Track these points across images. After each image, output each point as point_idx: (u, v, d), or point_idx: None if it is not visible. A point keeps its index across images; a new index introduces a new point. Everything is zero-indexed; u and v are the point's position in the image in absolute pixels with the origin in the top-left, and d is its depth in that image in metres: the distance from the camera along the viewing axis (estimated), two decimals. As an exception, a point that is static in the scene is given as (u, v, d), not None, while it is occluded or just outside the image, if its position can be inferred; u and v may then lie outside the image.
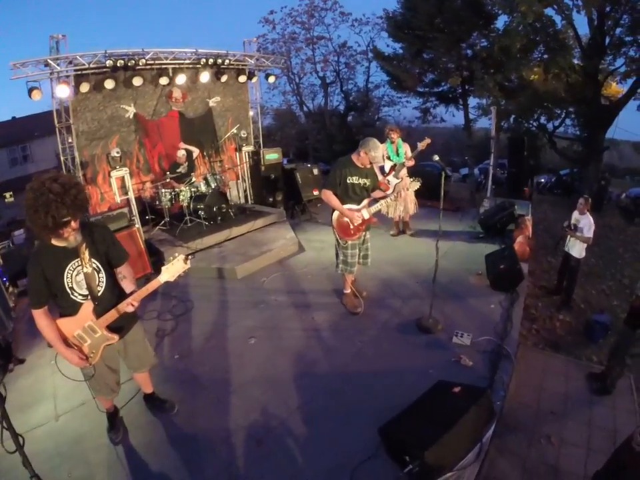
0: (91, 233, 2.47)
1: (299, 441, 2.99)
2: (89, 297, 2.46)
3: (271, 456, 2.88)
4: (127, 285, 2.65)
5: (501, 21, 13.44)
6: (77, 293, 2.44)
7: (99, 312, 2.48)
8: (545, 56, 12.81)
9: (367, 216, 4.28)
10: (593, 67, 12.36)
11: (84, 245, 2.39)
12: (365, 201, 4.32)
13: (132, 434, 3.09)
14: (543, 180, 19.27)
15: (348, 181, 4.20)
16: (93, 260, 2.44)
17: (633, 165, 29.86)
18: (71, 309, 2.47)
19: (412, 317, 4.55)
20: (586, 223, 5.88)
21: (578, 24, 12.09)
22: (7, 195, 16.56)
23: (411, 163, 6.28)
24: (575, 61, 13.26)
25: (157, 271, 2.53)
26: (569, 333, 6.32)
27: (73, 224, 2.22)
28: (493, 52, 12.64)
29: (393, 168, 6.40)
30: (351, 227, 4.28)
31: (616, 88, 15.10)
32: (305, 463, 2.82)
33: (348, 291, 4.78)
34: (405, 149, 6.35)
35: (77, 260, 2.40)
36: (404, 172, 6.37)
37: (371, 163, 4.23)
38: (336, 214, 4.31)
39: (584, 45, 12.86)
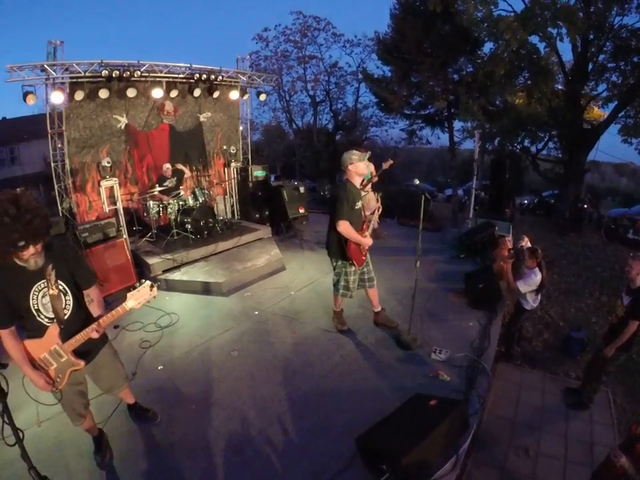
0: (56, 254, 2.34)
1: (277, 451, 3.05)
2: (55, 320, 2.36)
3: (250, 465, 2.93)
4: (94, 309, 2.53)
5: (487, 47, 13.84)
6: (43, 315, 2.35)
7: (65, 335, 2.38)
8: (529, 82, 13.15)
9: (370, 240, 4.27)
10: (576, 92, 12.69)
11: (50, 266, 2.25)
12: (365, 225, 4.28)
13: (114, 442, 3.09)
14: (525, 201, 19.66)
15: (356, 207, 4.10)
16: (59, 282, 2.34)
17: (614, 185, 30.75)
18: (37, 331, 2.37)
19: (391, 332, 4.64)
20: (530, 276, 4.75)
21: (561, 50, 12.44)
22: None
23: (376, 179, 7.29)
24: (559, 86, 13.64)
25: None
26: (547, 349, 6.46)
27: (31, 249, 2.10)
28: (478, 77, 12.93)
29: (362, 182, 7.08)
30: (363, 252, 4.28)
31: (598, 112, 15.47)
32: (283, 471, 2.88)
33: (338, 309, 4.82)
34: (371, 168, 7.25)
35: (42, 281, 2.28)
36: (368, 186, 7.18)
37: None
38: (352, 245, 4.09)
39: (567, 70, 13.24)
